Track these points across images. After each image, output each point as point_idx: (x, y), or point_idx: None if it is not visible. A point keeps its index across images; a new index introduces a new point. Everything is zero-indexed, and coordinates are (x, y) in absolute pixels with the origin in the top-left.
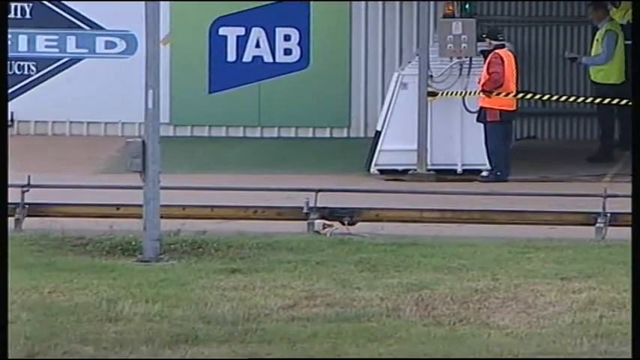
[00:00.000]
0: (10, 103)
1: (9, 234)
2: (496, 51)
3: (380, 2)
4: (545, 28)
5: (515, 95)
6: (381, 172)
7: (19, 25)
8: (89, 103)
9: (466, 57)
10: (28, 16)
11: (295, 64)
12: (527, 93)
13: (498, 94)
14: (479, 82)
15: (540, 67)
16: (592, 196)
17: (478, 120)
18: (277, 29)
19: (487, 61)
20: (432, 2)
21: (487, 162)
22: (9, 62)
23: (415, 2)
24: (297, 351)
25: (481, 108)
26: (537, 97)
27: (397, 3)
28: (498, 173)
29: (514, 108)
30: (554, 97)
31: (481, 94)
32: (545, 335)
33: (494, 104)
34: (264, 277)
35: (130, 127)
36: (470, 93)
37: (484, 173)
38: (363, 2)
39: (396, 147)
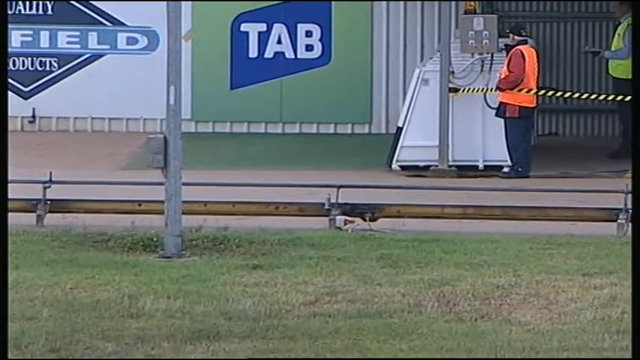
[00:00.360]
0: (31, 100)
1: (30, 230)
2: (518, 47)
3: (402, 2)
4: (567, 24)
5: (536, 92)
6: (403, 168)
7: (41, 22)
8: (111, 99)
9: (488, 53)
10: (50, 12)
11: (317, 60)
12: (548, 90)
13: (519, 90)
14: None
15: (562, 63)
16: (613, 193)
17: (497, 115)
18: (299, 25)
19: (508, 56)
20: (453, 2)
21: (508, 158)
22: (31, 58)
23: (437, 2)
24: (318, 347)
25: (500, 103)
26: (558, 94)
27: (419, 2)
28: (519, 169)
29: (534, 105)
30: (576, 95)
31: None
32: (566, 331)
33: (514, 100)
34: (286, 273)
35: (152, 124)
36: (491, 89)
37: (505, 169)
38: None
39: (417, 143)
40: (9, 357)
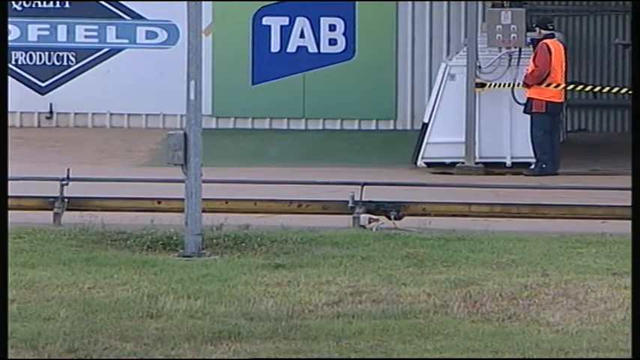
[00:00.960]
0: (49, 95)
1: (47, 228)
2: (544, 41)
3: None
4: (596, 17)
5: (564, 87)
6: (428, 165)
7: (59, 15)
8: (130, 94)
9: (515, 47)
10: (67, 5)
11: (340, 55)
12: (577, 85)
13: (548, 85)
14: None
15: (591, 56)
16: None
17: (525, 111)
18: (322, 19)
19: (534, 51)
20: None
21: (533, 154)
22: (48, 53)
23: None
24: (342, 348)
25: (528, 99)
26: (587, 89)
27: None
28: (544, 166)
29: (561, 100)
30: (605, 89)
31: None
32: (596, 332)
33: (541, 95)
34: (309, 273)
35: (172, 119)
36: (518, 84)
37: (532, 167)
38: None
39: (443, 139)
40: (23, 357)
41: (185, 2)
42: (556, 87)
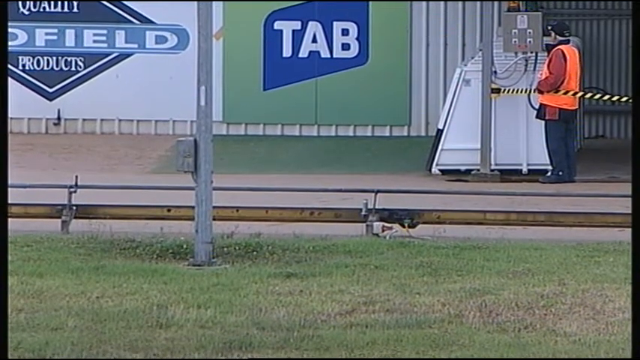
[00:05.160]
0: (57, 100)
1: (55, 236)
2: (559, 47)
3: (442, 1)
4: (614, 21)
5: (581, 95)
6: (443, 172)
7: (67, 20)
8: (139, 100)
9: (532, 52)
10: (75, 10)
11: (353, 60)
12: (594, 93)
13: (563, 92)
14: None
15: (609, 62)
16: None
17: (537, 117)
18: (335, 23)
19: (549, 57)
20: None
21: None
22: (56, 58)
23: (479, 2)
24: (355, 358)
25: (540, 105)
26: (605, 97)
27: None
28: (560, 173)
29: (575, 107)
30: (624, 98)
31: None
32: (614, 342)
33: (554, 102)
34: (321, 282)
35: (182, 126)
36: (534, 90)
37: (548, 174)
38: None
39: (458, 146)
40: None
41: (195, 4)
42: (571, 94)
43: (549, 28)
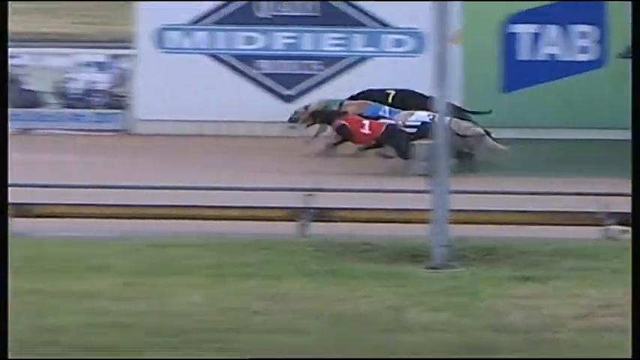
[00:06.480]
0: (294, 103)
1: (293, 240)
2: None
3: None
4: None
5: None
6: None
7: (306, 23)
8: None
9: None
10: (315, 13)
11: (592, 63)
12: None
13: None
14: None
15: None
16: None
17: None
18: (572, 26)
19: None
20: None
21: None
22: (294, 61)
23: None
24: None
25: None
26: None
27: None
28: None
29: None
30: None
31: None
32: None
33: None
34: (557, 285)
35: None
36: None
37: None
38: None
39: None
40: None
41: (433, 10)
42: None
43: None
